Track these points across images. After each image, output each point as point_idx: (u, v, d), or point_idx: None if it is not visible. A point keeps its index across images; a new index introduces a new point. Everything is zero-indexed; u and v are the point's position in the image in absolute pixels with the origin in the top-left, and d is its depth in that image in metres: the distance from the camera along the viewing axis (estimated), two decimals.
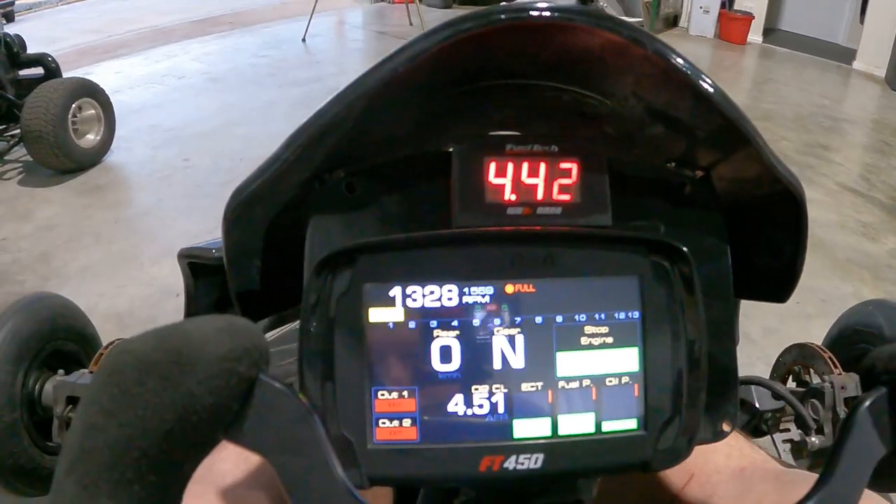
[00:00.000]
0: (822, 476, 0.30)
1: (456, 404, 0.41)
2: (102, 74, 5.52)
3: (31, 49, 4.22)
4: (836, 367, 1.34)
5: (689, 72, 0.40)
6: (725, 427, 0.48)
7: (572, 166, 0.46)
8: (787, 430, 1.38)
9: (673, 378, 0.42)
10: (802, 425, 1.33)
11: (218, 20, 7.95)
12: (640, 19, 7.25)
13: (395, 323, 0.41)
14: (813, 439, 1.30)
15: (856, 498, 0.30)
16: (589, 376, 0.41)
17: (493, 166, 0.45)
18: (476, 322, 0.41)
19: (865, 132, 4.77)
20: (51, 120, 3.48)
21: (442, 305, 0.41)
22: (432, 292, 0.41)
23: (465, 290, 0.41)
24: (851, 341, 1.51)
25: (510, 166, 0.45)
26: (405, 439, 0.40)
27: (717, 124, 0.44)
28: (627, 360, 0.42)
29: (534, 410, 0.41)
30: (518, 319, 0.41)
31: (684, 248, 0.42)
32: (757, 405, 1.31)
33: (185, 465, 0.25)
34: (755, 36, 7.02)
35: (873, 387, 0.32)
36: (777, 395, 1.31)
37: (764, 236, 0.53)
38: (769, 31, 7.19)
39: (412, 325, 0.41)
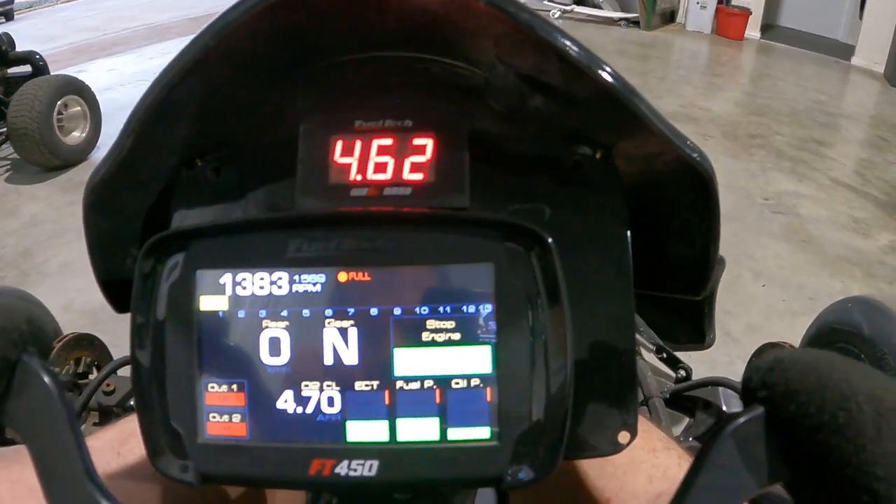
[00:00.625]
0: None
1: (285, 401, 0.37)
2: (96, 72, 5.52)
3: (28, 47, 4.23)
4: None
5: (534, 25, 0.36)
6: (622, 439, 0.44)
7: (427, 142, 0.42)
8: None
9: (532, 382, 0.37)
10: None
11: (214, 17, 7.94)
12: (637, 15, 7.20)
13: (224, 312, 0.38)
14: None
15: None
16: (432, 377, 0.37)
17: (339, 144, 0.42)
18: (306, 313, 0.38)
19: (862, 128, 4.71)
20: (36, 117, 3.48)
21: (271, 294, 0.38)
22: (262, 279, 0.38)
23: (296, 277, 0.38)
24: (829, 340, 1.46)
25: (358, 144, 0.42)
26: (235, 435, 0.37)
27: (593, 90, 0.40)
28: (478, 359, 0.37)
29: (369, 412, 0.37)
30: (351, 311, 0.37)
31: (544, 234, 0.37)
32: (724, 408, 1.27)
33: None
34: (753, 32, 6.95)
35: (749, 404, 0.27)
36: None
37: (675, 221, 0.49)
38: (767, 27, 7.13)
39: (241, 314, 0.38)
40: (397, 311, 0.37)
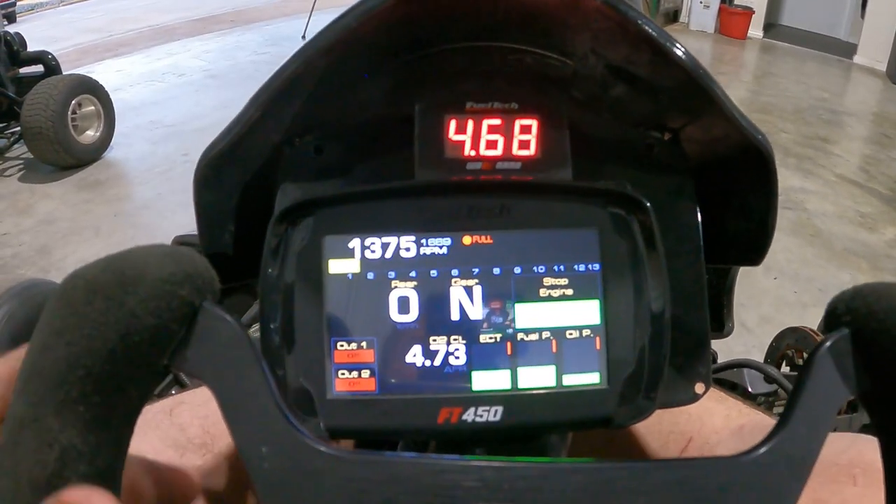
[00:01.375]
0: (781, 420, 0.29)
1: (414, 355, 0.41)
2: (103, 73, 5.54)
3: (33, 48, 4.23)
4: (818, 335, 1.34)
5: (640, 21, 0.40)
6: (698, 389, 0.48)
7: (532, 123, 0.46)
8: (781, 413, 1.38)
9: (635, 332, 0.42)
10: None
11: (219, 18, 7.97)
12: None
13: (353, 274, 0.41)
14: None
15: (818, 442, 0.28)
16: (549, 328, 0.41)
17: (453, 123, 0.46)
18: (433, 273, 0.41)
19: (865, 125, 4.75)
20: (50, 116, 3.49)
21: (400, 256, 0.42)
22: (390, 244, 0.42)
23: (423, 241, 0.42)
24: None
25: (470, 123, 0.46)
26: (364, 390, 0.41)
27: (677, 79, 0.44)
28: (588, 312, 0.42)
29: (493, 362, 0.41)
30: (476, 270, 0.41)
31: (643, 199, 0.42)
32: (749, 388, 1.31)
33: (129, 389, 0.25)
34: (755, 31, 7.00)
35: (832, 330, 0.31)
36: (770, 379, 1.30)
37: (735, 198, 0.53)
38: (770, 27, 7.17)
39: (370, 275, 0.41)
40: (517, 270, 0.42)
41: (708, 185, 0.53)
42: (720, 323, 0.59)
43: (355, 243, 0.42)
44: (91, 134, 3.93)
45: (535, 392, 0.41)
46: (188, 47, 6.61)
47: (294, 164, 0.49)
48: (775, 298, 2.57)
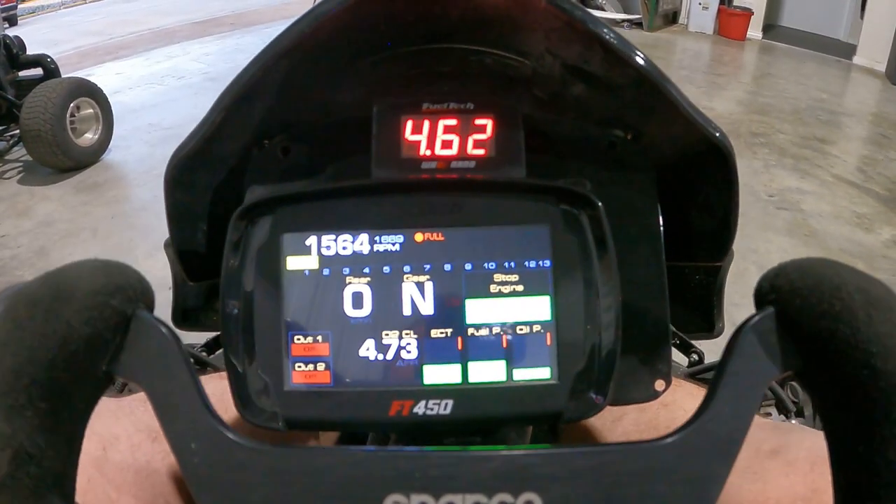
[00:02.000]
0: (704, 401, 0.29)
1: (367, 349, 0.42)
2: (103, 75, 5.56)
3: (33, 51, 4.26)
4: None
5: (586, 21, 0.41)
6: (658, 386, 0.49)
7: (487, 122, 0.47)
8: (768, 414, 1.38)
9: (586, 328, 0.43)
10: (782, 409, 1.33)
11: (219, 21, 8.00)
12: (640, 16, 7.25)
13: (310, 270, 0.42)
14: (793, 422, 1.30)
15: (744, 422, 0.28)
16: (499, 324, 0.42)
17: (409, 124, 0.47)
18: (386, 269, 0.42)
19: (864, 125, 4.75)
20: (49, 119, 3.52)
21: (354, 253, 0.42)
22: (346, 241, 0.43)
23: (377, 238, 0.43)
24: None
25: (426, 124, 0.47)
26: (319, 382, 0.42)
27: (631, 78, 0.45)
28: (539, 308, 0.43)
29: (444, 356, 0.42)
30: (427, 267, 0.42)
31: (593, 197, 0.43)
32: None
33: (73, 395, 0.27)
34: (755, 32, 7.00)
35: (760, 307, 0.31)
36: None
37: (697, 195, 0.54)
38: (769, 28, 7.17)
39: (326, 272, 0.42)
40: (468, 266, 0.42)
41: (671, 183, 0.54)
42: (711, 323, 0.60)
43: (312, 240, 0.43)
44: (89, 136, 3.95)
45: (485, 386, 0.42)
46: (188, 50, 6.63)
47: (262, 165, 0.51)
48: None
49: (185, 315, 0.56)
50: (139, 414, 0.47)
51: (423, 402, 0.41)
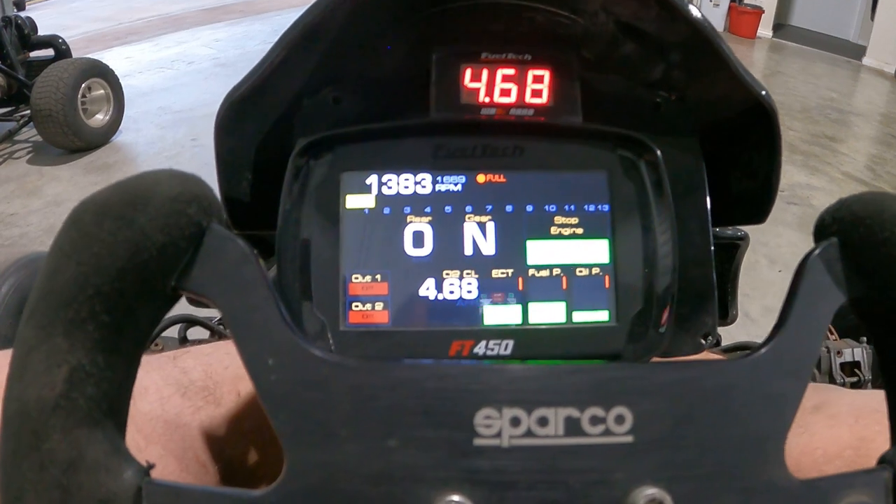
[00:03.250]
0: (777, 325, 0.29)
1: (427, 288, 0.42)
2: (112, 60, 5.51)
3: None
4: (832, 333, 1.35)
5: None
6: (704, 340, 0.50)
7: (545, 73, 0.47)
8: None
9: (643, 271, 0.43)
10: (819, 367, 1.33)
11: (229, 8, 7.98)
12: None
13: (370, 209, 0.43)
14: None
15: (815, 344, 0.28)
16: (559, 265, 0.43)
17: (468, 72, 0.47)
18: (448, 209, 0.43)
19: (873, 125, 4.75)
20: (60, 99, 3.51)
21: (416, 193, 0.43)
22: (407, 180, 0.43)
23: (439, 178, 0.43)
24: (848, 311, 1.51)
25: (485, 72, 0.47)
26: (377, 322, 0.42)
27: (683, 35, 0.45)
28: (598, 251, 0.43)
29: (504, 297, 0.43)
30: (489, 207, 0.43)
31: (652, 143, 0.43)
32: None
33: (138, 311, 0.25)
34: (765, 30, 6.98)
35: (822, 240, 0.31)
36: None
37: (739, 158, 0.54)
38: (779, 27, 7.15)
39: (386, 210, 0.43)
40: (529, 208, 0.43)
41: (713, 145, 0.54)
42: (724, 310, 0.60)
43: (372, 179, 0.43)
44: (100, 118, 3.94)
45: (545, 327, 0.43)
46: (197, 36, 6.62)
47: (313, 114, 0.51)
48: (780, 291, 2.53)
49: None
50: (168, 369, 0.47)
51: (483, 343, 0.42)
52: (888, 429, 0.31)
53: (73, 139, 3.69)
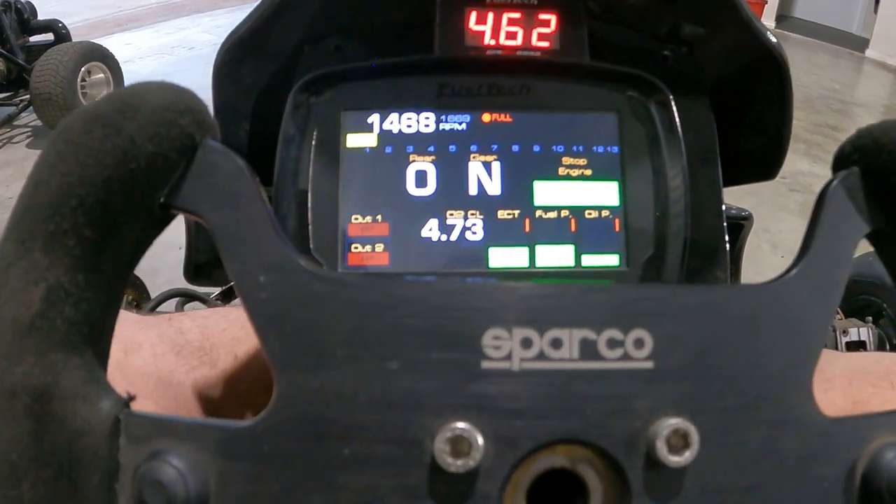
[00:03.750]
0: (801, 251, 0.27)
1: (430, 229, 0.41)
2: (113, 46, 5.49)
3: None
4: (838, 313, 1.34)
5: None
6: None
7: (551, 17, 0.46)
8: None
9: (655, 215, 0.42)
10: None
11: None
12: None
13: (371, 148, 0.42)
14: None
15: (841, 271, 0.27)
16: (567, 207, 0.42)
17: (474, 15, 0.46)
18: (452, 148, 0.42)
19: (875, 116, 4.73)
20: (60, 83, 3.49)
21: (418, 132, 0.42)
22: (410, 118, 0.42)
23: (443, 117, 0.42)
24: (853, 292, 1.50)
25: (490, 15, 0.46)
26: (376, 264, 0.41)
27: None
28: (607, 193, 0.42)
29: (510, 239, 0.42)
30: (495, 147, 0.42)
31: (660, 83, 0.42)
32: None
33: (123, 228, 0.23)
34: (768, 21, 6.95)
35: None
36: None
37: (750, 112, 0.53)
38: (782, 18, 7.13)
39: (388, 150, 0.42)
40: (536, 148, 0.42)
41: (723, 100, 0.53)
42: None
43: (374, 118, 0.42)
44: None
45: (553, 271, 0.41)
46: (198, 22, 6.59)
47: (314, 61, 0.50)
48: None
49: (198, 270, 0.54)
50: (163, 328, 0.46)
51: None
52: (884, 389, 0.30)
53: None
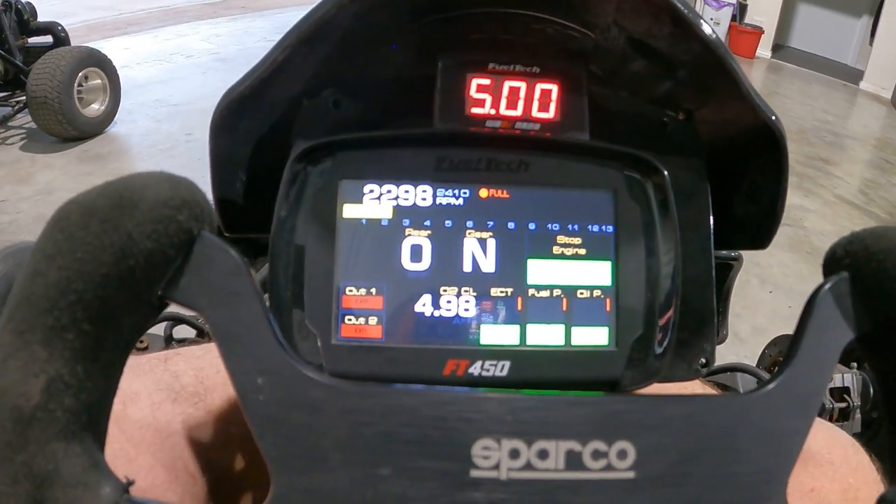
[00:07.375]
0: (785, 359, 0.28)
1: (423, 304, 0.41)
2: (111, 50, 5.48)
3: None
4: None
5: None
6: (699, 366, 0.49)
7: (553, 87, 0.47)
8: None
9: (646, 296, 0.42)
10: None
11: (231, 3, 7.95)
12: None
13: (367, 219, 0.42)
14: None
15: (823, 380, 0.28)
16: (560, 286, 0.42)
17: (475, 82, 0.46)
18: (448, 223, 0.42)
19: (867, 149, 4.78)
20: (56, 87, 3.49)
21: (415, 205, 0.42)
22: (407, 191, 0.42)
23: (440, 190, 0.42)
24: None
25: (491, 84, 0.46)
26: (370, 337, 0.41)
27: (695, 53, 0.44)
28: (600, 273, 0.42)
29: (502, 317, 0.41)
30: (491, 223, 0.42)
31: (659, 164, 0.42)
32: (741, 392, 1.31)
33: (122, 319, 0.24)
34: (764, 51, 7.03)
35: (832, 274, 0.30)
36: (762, 383, 1.30)
37: (745, 181, 0.54)
38: (778, 47, 7.20)
39: (384, 222, 0.42)
40: (532, 226, 0.42)
41: (718, 168, 0.53)
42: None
43: (371, 189, 0.42)
44: (96, 107, 3.92)
45: (543, 349, 0.41)
46: (197, 30, 6.60)
47: (312, 116, 0.50)
48: (770, 311, 2.59)
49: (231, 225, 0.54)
50: (159, 373, 0.46)
51: (479, 363, 0.41)
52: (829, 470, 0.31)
53: (67, 128, 3.66)
